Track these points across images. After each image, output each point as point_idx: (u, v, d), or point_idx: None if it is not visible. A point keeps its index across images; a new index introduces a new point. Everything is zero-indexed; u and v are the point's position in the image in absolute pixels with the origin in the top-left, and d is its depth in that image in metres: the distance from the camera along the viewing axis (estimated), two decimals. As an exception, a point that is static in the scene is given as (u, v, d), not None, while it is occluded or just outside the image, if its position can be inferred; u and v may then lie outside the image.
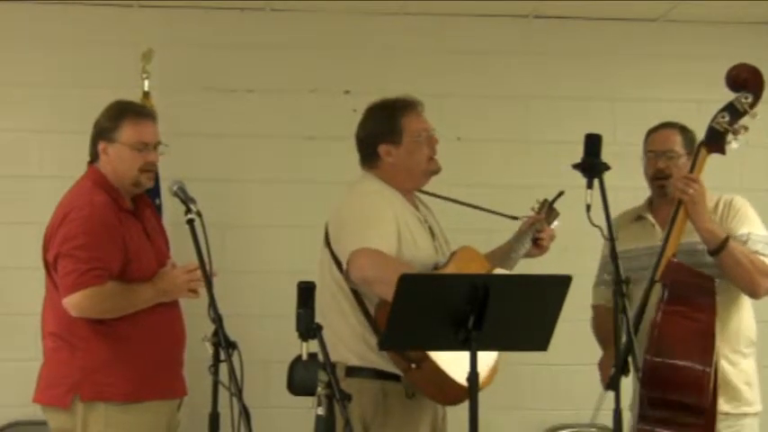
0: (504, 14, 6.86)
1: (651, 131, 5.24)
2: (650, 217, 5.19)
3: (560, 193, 5.21)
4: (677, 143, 5.15)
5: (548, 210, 5.24)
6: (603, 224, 4.64)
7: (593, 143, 4.68)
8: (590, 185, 4.64)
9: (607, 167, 4.72)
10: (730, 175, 6.38)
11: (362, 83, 6.62)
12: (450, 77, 6.77)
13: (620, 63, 6.91)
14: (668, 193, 5.11)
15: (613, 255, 4.59)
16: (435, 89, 6.34)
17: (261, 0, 6.64)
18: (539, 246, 5.16)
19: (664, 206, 5.14)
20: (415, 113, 4.96)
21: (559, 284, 4.39)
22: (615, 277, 4.55)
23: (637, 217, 5.24)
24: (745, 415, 5.03)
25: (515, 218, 5.20)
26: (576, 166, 4.68)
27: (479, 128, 6.77)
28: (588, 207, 4.64)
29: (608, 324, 5.08)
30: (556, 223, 5.29)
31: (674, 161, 5.12)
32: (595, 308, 5.31)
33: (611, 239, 4.59)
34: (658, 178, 5.13)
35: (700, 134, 5.07)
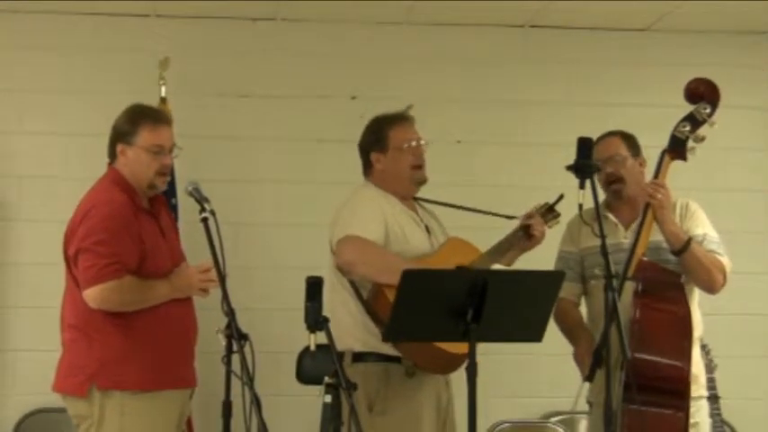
0: (502, 24, 6.86)
1: (595, 143, 5.24)
2: (611, 216, 5.20)
3: (561, 196, 5.17)
4: (620, 147, 5.20)
5: (547, 211, 5.22)
6: (594, 223, 4.67)
7: (585, 146, 4.70)
8: (582, 186, 4.66)
9: (598, 169, 4.76)
10: (714, 176, 6.41)
11: (368, 89, 6.63)
12: (450, 83, 6.78)
13: (611, 70, 6.91)
14: (623, 195, 5.16)
15: (604, 251, 4.60)
16: (437, 94, 6.35)
17: (272, 10, 6.64)
18: (532, 237, 5.13)
19: (621, 206, 5.21)
20: (402, 125, 5.03)
21: (553, 280, 4.41)
22: (606, 272, 4.58)
23: (597, 216, 5.24)
24: (701, 397, 5.11)
25: (512, 217, 5.19)
26: (569, 168, 4.69)
27: (478, 131, 6.77)
28: (581, 207, 4.69)
29: (573, 316, 5.16)
30: (557, 222, 5.26)
31: (621, 164, 5.16)
32: (558, 301, 5.25)
33: (602, 237, 4.61)
34: (611, 182, 5.17)
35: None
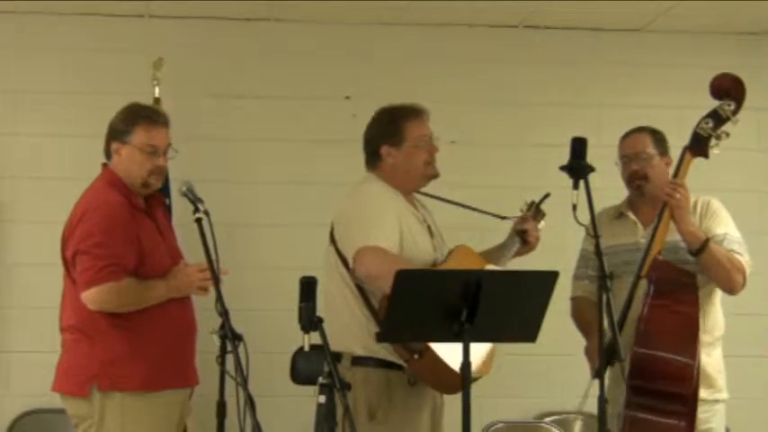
0: (496, 24, 6.87)
1: (623, 138, 5.26)
2: (631, 215, 5.20)
3: (546, 195, 5.20)
4: (648, 145, 5.17)
5: (535, 210, 5.23)
6: (589, 223, 4.67)
7: (579, 146, 4.70)
8: (576, 186, 4.66)
9: (592, 169, 4.75)
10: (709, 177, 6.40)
11: (362, 89, 6.63)
12: (444, 84, 6.77)
13: (605, 71, 6.91)
14: (645, 193, 5.15)
15: (598, 251, 4.61)
16: (431, 95, 6.28)
17: (266, 11, 6.64)
18: (527, 243, 5.14)
19: (643, 205, 5.18)
20: (418, 120, 4.96)
21: (547, 280, 4.41)
22: (600, 272, 4.57)
23: (618, 215, 5.25)
24: (717, 401, 5.09)
25: (504, 218, 5.19)
26: (563, 168, 4.70)
27: (472, 132, 6.77)
28: (574, 207, 4.68)
29: (590, 314, 5.11)
30: (542, 223, 5.27)
31: (647, 162, 5.15)
32: (576, 299, 5.28)
33: (596, 237, 4.61)
34: (635, 179, 5.15)
35: (680, 137, 5.09)
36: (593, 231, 4.62)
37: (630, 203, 5.25)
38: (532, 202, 5.23)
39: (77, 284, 4.74)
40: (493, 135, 6.83)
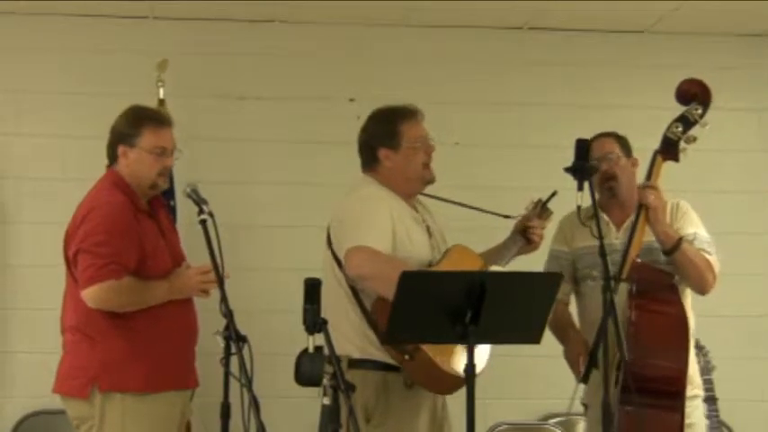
0: (500, 26, 6.88)
1: (590, 142, 5.25)
2: (604, 216, 5.21)
3: (554, 193, 5.19)
4: (615, 146, 5.21)
5: (541, 209, 5.23)
6: (592, 224, 4.68)
7: (583, 148, 4.72)
8: (580, 187, 4.67)
9: (596, 170, 4.76)
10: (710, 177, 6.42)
11: (366, 91, 6.61)
12: (449, 85, 6.78)
13: (609, 72, 6.92)
14: (616, 193, 5.17)
15: (602, 252, 4.61)
16: (435, 96, 6.34)
17: (270, 12, 6.65)
18: (530, 241, 5.14)
19: (614, 206, 5.22)
20: (414, 121, 4.94)
21: (551, 281, 4.41)
22: (605, 273, 4.58)
23: (591, 216, 5.23)
24: (696, 396, 5.13)
25: (508, 216, 5.19)
26: (567, 170, 4.71)
27: (476, 133, 6.77)
28: (579, 208, 4.71)
29: (564, 316, 5.17)
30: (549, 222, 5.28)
31: (615, 162, 5.17)
32: None
33: (600, 238, 4.62)
34: (605, 180, 5.17)
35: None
36: (598, 232, 4.64)
37: (601, 205, 5.25)
38: (539, 200, 5.23)
39: (78, 282, 4.74)
40: (496, 136, 6.83)
